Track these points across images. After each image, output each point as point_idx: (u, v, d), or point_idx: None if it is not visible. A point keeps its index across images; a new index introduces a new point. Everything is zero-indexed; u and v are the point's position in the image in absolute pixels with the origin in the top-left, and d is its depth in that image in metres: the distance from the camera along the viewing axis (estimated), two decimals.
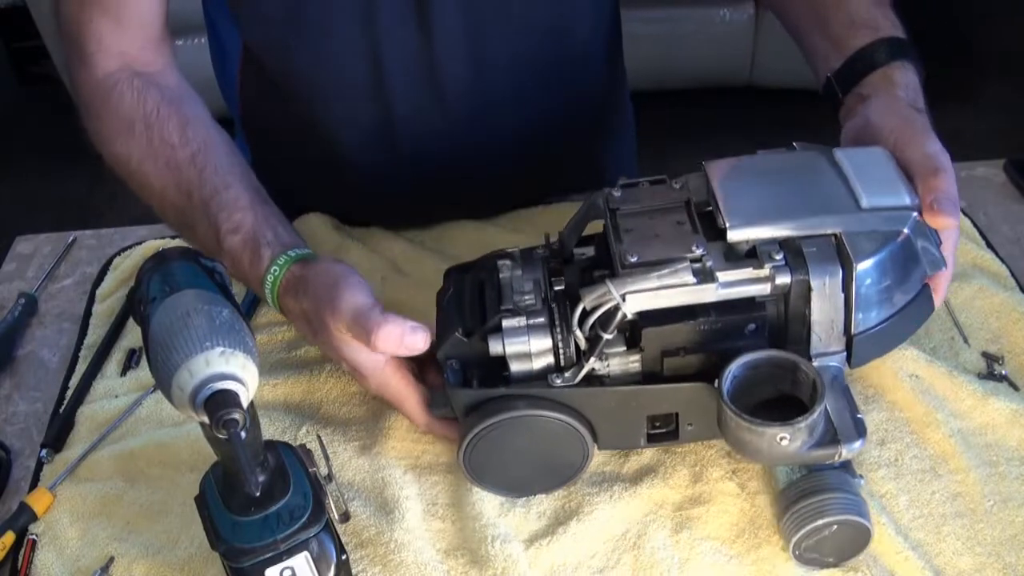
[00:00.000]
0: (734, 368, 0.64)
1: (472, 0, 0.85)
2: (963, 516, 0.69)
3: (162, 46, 0.86)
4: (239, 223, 0.76)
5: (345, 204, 0.98)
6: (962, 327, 0.82)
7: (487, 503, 0.71)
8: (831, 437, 0.62)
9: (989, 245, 0.90)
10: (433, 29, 0.86)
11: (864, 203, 0.66)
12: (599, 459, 0.74)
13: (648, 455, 0.74)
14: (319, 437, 0.71)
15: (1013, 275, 0.87)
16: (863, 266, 0.64)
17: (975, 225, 0.93)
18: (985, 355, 0.80)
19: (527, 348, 0.66)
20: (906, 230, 0.66)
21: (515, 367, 0.67)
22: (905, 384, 0.76)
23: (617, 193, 0.71)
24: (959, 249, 0.88)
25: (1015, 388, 0.77)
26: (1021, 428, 0.73)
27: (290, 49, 0.88)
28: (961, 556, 0.67)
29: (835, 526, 0.64)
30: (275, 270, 0.73)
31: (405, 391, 0.73)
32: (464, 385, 0.68)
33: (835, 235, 0.65)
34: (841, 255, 0.64)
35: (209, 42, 1.04)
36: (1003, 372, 0.78)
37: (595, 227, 0.72)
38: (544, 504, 0.72)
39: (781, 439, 0.61)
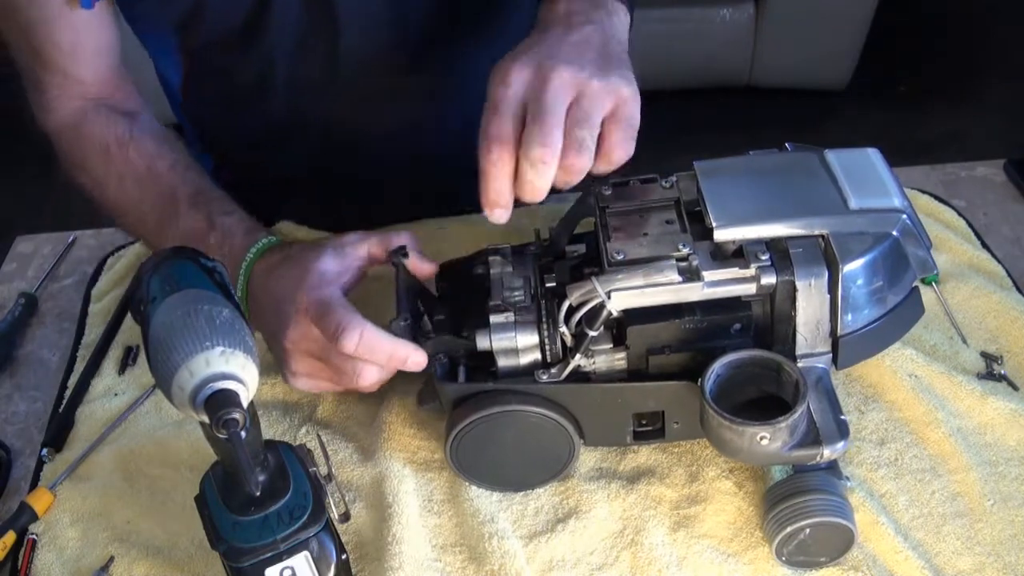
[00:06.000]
0: (717, 367, 0.64)
1: None
2: (963, 516, 0.69)
3: (122, 83, 0.88)
4: (234, 208, 0.81)
5: (314, 208, 0.98)
6: (960, 327, 0.82)
7: (484, 499, 0.72)
8: (813, 438, 0.62)
9: (984, 245, 0.90)
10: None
11: (853, 204, 0.66)
12: (596, 457, 0.74)
13: (645, 453, 0.74)
14: (319, 436, 0.71)
15: (1009, 275, 0.87)
16: (850, 267, 0.64)
17: (970, 225, 0.93)
18: (984, 355, 0.80)
19: (514, 344, 0.67)
20: (895, 232, 0.66)
21: (502, 362, 0.68)
22: (905, 384, 0.76)
23: (607, 191, 0.71)
24: (955, 249, 0.89)
25: (1014, 388, 0.77)
26: (1020, 428, 0.74)
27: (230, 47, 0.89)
28: (961, 556, 0.67)
29: (813, 528, 0.64)
30: (264, 242, 0.76)
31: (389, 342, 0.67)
32: (452, 379, 0.69)
33: (822, 236, 0.65)
34: (828, 256, 0.64)
35: (159, 78, 1.05)
36: (1002, 372, 0.78)
37: (587, 225, 0.73)
38: (542, 501, 0.72)
39: (761, 438, 0.61)
